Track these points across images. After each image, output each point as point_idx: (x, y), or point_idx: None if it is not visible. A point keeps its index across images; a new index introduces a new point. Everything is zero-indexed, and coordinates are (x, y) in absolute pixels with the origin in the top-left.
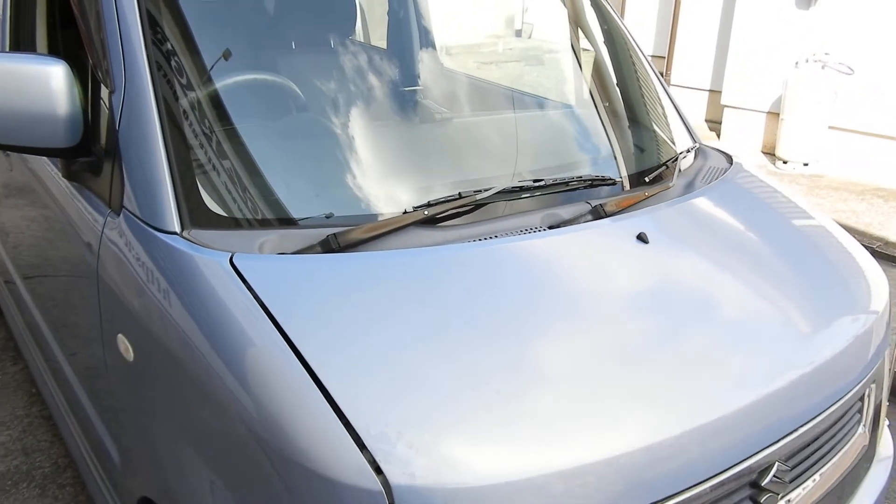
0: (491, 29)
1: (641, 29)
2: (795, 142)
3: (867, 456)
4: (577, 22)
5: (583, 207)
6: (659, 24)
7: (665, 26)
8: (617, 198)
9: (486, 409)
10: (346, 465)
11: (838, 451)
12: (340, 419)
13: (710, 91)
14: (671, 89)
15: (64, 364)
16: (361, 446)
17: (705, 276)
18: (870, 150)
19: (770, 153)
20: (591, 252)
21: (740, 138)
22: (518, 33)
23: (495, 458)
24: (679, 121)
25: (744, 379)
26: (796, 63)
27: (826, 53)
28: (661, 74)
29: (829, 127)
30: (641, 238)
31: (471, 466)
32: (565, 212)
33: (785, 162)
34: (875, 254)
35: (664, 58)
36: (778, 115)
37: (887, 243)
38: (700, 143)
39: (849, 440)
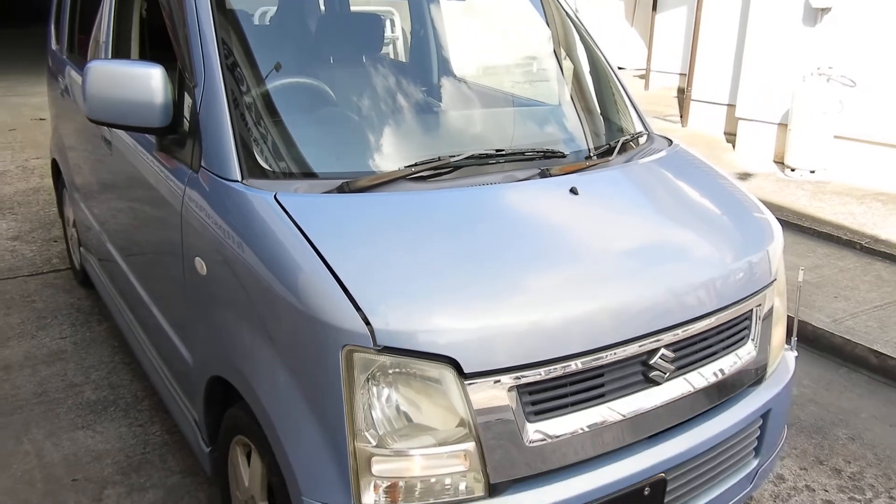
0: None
1: (667, 51)
2: (802, 151)
3: (757, 371)
4: (557, 34)
5: (534, 171)
6: (683, 45)
7: (687, 47)
8: (561, 165)
9: (441, 284)
10: (348, 319)
11: (723, 356)
12: (345, 292)
13: (728, 105)
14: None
15: (149, 302)
16: (357, 308)
17: (621, 214)
18: (873, 157)
19: (781, 162)
20: (531, 197)
21: (754, 148)
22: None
23: (445, 314)
24: (635, 114)
25: (639, 280)
26: (803, 77)
27: (830, 67)
28: (683, 91)
29: (835, 136)
30: (573, 190)
31: (424, 318)
32: (520, 174)
33: (793, 170)
34: (863, 249)
35: (685, 75)
36: (787, 126)
37: (876, 240)
38: (650, 131)
39: (735, 349)
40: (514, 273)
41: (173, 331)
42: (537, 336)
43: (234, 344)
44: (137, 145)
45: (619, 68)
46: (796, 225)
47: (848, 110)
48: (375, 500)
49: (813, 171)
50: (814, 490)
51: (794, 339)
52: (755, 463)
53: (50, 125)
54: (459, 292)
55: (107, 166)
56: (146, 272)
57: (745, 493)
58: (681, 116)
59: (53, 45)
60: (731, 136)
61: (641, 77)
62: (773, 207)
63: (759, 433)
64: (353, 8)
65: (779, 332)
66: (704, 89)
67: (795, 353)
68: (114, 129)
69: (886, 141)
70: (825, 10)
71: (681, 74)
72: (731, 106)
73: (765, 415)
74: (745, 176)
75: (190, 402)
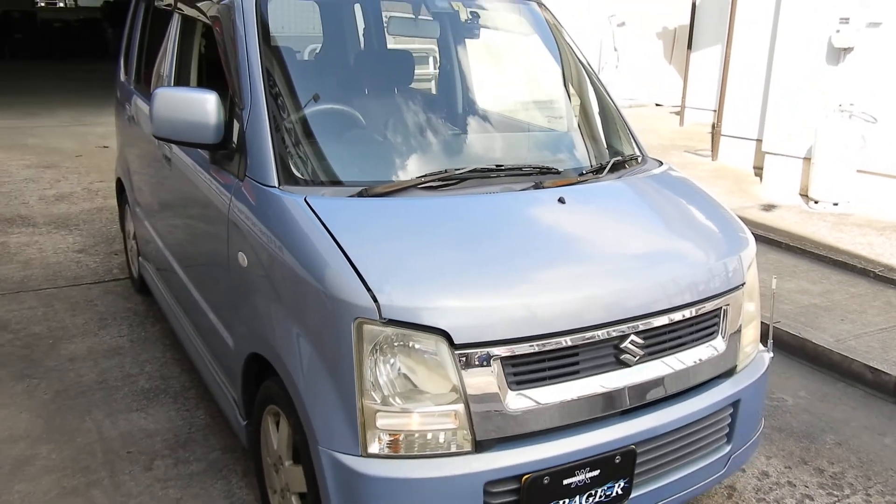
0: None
1: (702, 88)
2: (825, 184)
3: (726, 364)
4: (565, 70)
5: (529, 184)
6: (717, 82)
7: (716, 85)
8: (554, 179)
9: (439, 270)
10: (360, 296)
11: (692, 347)
12: (357, 275)
13: (756, 140)
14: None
15: (197, 296)
16: (367, 288)
17: (602, 219)
18: (894, 191)
19: (805, 195)
20: (523, 204)
21: (780, 182)
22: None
23: (441, 294)
24: (630, 139)
25: (612, 274)
26: (826, 113)
27: (851, 104)
28: (713, 126)
29: (858, 171)
30: (561, 200)
31: (422, 297)
32: (517, 186)
33: (816, 202)
34: (876, 277)
35: (716, 111)
36: (811, 160)
37: (891, 269)
38: (644, 154)
39: (704, 343)
40: (501, 263)
41: (218, 319)
42: (519, 316)
43: (268, 323)
44: (192, 161)
45: (657, 105)
46: (812, 253)
47: (870, 145)
48: (379, 450)
49: (836, 204)
50: (794, 486)
51: (770, 341)
52: (727, 449)
53: (112, 152)
54: (454, 277)
55: (166, 180)
56: (196, 270)
57: (717, 475)
58: (712, 151)
59: (122, 77)
60: (759, 170)
61: (677, 113)
62: (793, 238)
63: (730, 421)
64: (389, 45)
65: (750, 331)
66: (734, 124)
67: (771, 355)
68: (174, 146)
69: None
70: (847, 50)
71: (714, 111)
72: (760, 141)
73: (735, 404)
74: (769, 207)
75: (230, 384)
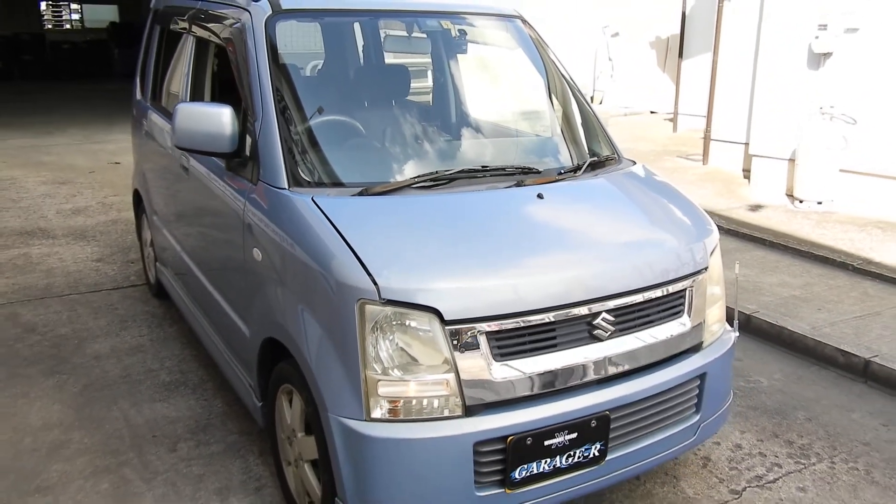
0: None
1: (693, 94)
2: (808, 184)
3: (692, 340)
4: (549, 81)
5: (511, 182)
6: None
7: (706, 91)
8: (534, 178)
9: (430, 256)
10: (361, 280)
11: (659, 324)
12: (359, 261)
13: (745, 144)
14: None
15: (214, 293)
16: (367, 272)
17: (576, 212)
18: (875, 189)
19: (791, 195)
20: (505, 200)
21: (767, 183)
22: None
23: (432, 276)
24: (608, 142)
25: (584, 258)
26: (808, 116)
27: (831, 106)
28: (705, 132)
29: (841, 170)
30: (540, 196)
31: (416, 279)
32: (500, 185)
33: (801, 201)
34: (855, 270)
35: (705, 116)
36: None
37: (869, 262)
38: (619, 156)
39: (670, 320)
40: (485, 250)
41: (235, 312)
42: (502, 295)
43: (281, 309)
44: (208, 169)
45: (652, 112)
46: (795, 249)
47: (852, 146)
48: (381, 414)
49: (820, 203)
50: (765, 455)
51: (736, 322)
52: (696, 418)
53: (124, 168)
54: (443, 262)
55: (184, 188)
56: (213, 269)
57: (688, 442)
58: (703, 155)
59: (138, 96)
60: (748, 173)
61: (671, 120)
62: (777, 235)
63: (697, 392)
64: (387, 61)
65: (715, 311)
66: (722, 129)
67: (736, 334)
68: (191, 157)
69: (886, 173)
70: (827, 55)
71: (705, 117)
72: (748, 144)
73: (702, 377)
74: (756, 208)
75: (246, 371)
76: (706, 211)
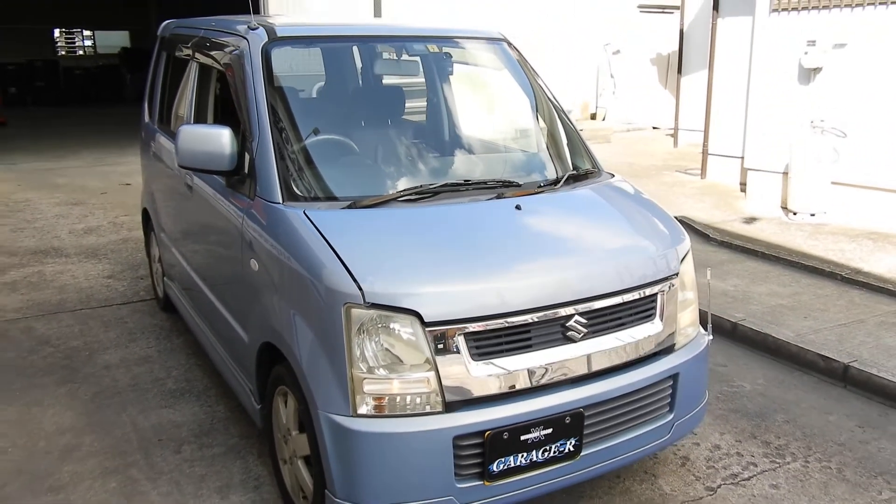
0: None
1: (693, 110)
2: (801, 196)
3: (664, 342)
4: (534, 101)
5: (492, 195)
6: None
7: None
8: (514, 191)
9: (412, 262)
10: (347, 285)
11: (631, 326)
12: (346, 269)
13: (741, 158)
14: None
15: (215, 302)
16: (353, 278)
17: (552, 222)
18: (866, 200)
19: (786, 207)
20: (485, 211)
21: (762, 196)
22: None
23: (413, 281)
24: (588, 157)
25: (557, 265)
26: (799, 129)
27: (822, 120)
28: (703, 147)
29: (833, 182)
30: (518, 207)
31: (398, 284)
32: (482, 197)
33: (794, 213)
34: (843, 279)
35: (702, 131)
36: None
37: (857, 272)
38: (599, 169)
39: (642, 323)
40: (464, 258)
41: (235, 320)
42: (479, 299)
43: (276, 315)
44: (210, 187)
45: (654, 128)
46: (786, 260)
47: (843, 158)
48: (367, 410)
49: (813, 215)
50: (742, 455)
51: (709, 326)
52: (670, 417)
53: (134, 189)
54: (424, 269)
55: (189, 205)
56: (215, 280)
57: (663, 440)
58: (701, 169)
59: (146, 119)
60: (745, 186)
61: (672, 135)
62: (769, 247)
63: (670, 392)
64: (384, 81)
65: (687, 315)
66: (719, 144)
67: (710, 338)
68: (195, 175)
69: (877, 185)
70: (817, 70)
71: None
72: (744, 158)
73: (674, 377)
74: (750, 220)
75: (246, 376)
76: (702, 224)
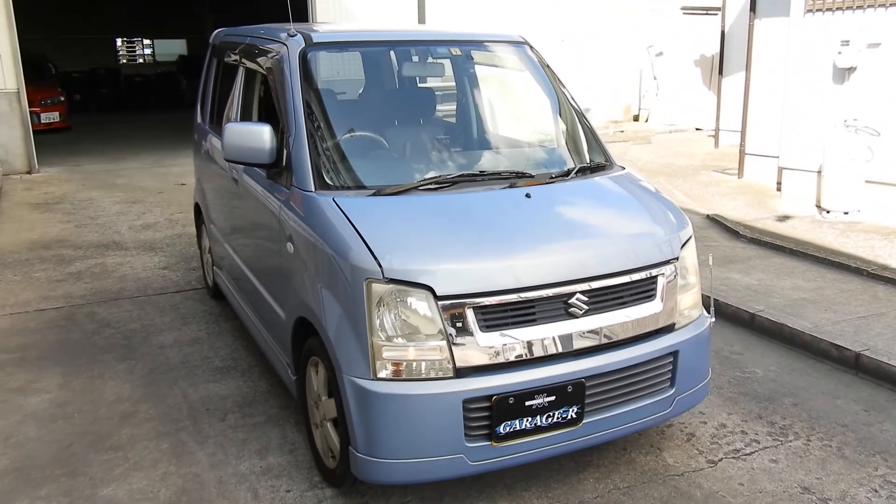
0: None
1: (733, 111)
2: (834, 194)
3: (664, 321)
4: (554, 99)
5: (506, 185)
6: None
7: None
8: (526, 181)
9: (427, 243)
10: (369, 262)
11: (631, 305)
12: (367, 248)
13: (778, 157)
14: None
15: (256, 283)
16: (374, 256)
17: (560, 208)
18: None
19: (820, 206)
20: (497, 199)
21: (797, 194)
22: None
23: (427, 259)
24: (601, 151)
25: (562, 246)
26: (833, 128)
27: (855, 119)
28: (740, 146)
29: (867, 181)
30: (528, 195)
31: (413, 261)
32: (496, 187)
33: (828, 212)
34: (869, 275)
35: (739, 132)
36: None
37: (885, 268)
38: (611, 162)
39: (642, 302)
40: (475, 239)
41: (274, 300)
42: (487, 275)
43: (309, 292)
44: (253, 180)
45: (697, 129)
46: (814, 256)
47: (877, 157)
48: (386, 374)
49: (846, 213)
50: (746, 433)
51: (712, 309)
52: (671, 392)
53: (188, 189)
54: (438, 248)
55: (234, 196)
56: (257, 265)
57: (664, 413)
58: (738, 169)
59: (199, 120)
60: (780, 185)
61: (714, 136)
62: (798, 243)
63: (671, 368)
64: (420, 85)
65: (688, 298)
66: (756, 143)
67: (713, 320)
68: (240, 168)
69: None
70: (851, 70)
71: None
72: (779, 157)
73: (674, 354)
74: (783, 218)
75: (283, 351)
76: (732, 221)
